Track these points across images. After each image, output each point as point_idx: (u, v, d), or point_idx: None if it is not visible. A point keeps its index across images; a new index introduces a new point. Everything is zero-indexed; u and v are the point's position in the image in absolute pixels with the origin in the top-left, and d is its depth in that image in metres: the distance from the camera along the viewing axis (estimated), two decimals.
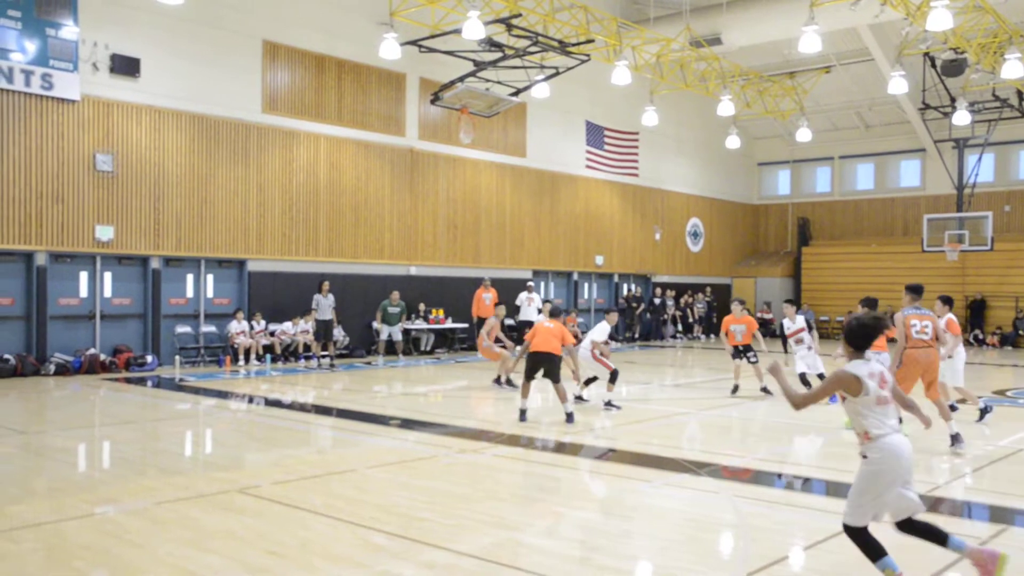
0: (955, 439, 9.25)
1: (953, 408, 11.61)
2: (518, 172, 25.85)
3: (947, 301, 11.24)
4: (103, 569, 5.32)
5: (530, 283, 22.29)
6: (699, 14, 24.45)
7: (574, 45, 20.67)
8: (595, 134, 28.43)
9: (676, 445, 9.87)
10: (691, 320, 30.67)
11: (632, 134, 29.57)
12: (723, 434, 10.77)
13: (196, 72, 18.60)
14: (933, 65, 27.36)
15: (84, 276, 17.40)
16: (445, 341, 23.24)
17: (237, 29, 19.20)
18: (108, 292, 17.72)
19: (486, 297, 19.39)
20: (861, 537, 4.74)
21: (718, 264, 34.48)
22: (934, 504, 6.94)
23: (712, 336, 30.75)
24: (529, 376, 11.31)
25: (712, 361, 21.92)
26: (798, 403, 4.77)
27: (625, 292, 29.76)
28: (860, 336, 4.81)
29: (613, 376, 12.39)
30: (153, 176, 17.96)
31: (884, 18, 21.39)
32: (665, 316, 29.63)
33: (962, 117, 26.92)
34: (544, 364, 11.26)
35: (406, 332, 21.27)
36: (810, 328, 14.33)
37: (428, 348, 22.65)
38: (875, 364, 4.82)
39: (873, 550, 4.71)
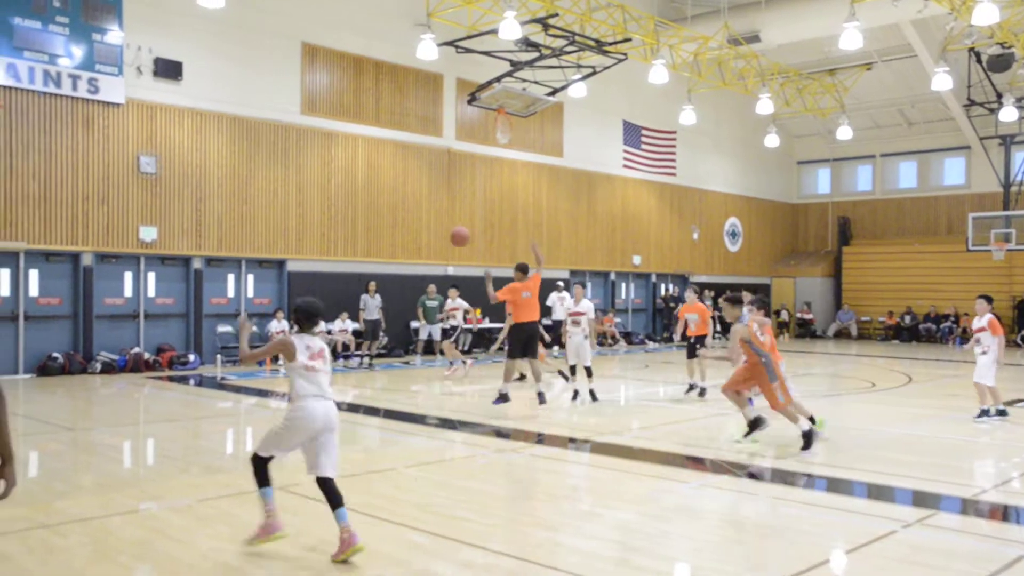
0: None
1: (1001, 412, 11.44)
2: (555, 172, 25.83)
3: (988, 300, 11.15)
4: (148, 564, 5.41)
5: (559, 283, 22.27)
6: (737, 12, 24.24)
7: (611, 44, 20.61)
8: (632, 133, 28.32)
9: (715, 446, 9.80)
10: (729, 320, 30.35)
11: (669, 133, 29.39)
12: (764, 436, 10.65)
13: (237, 74, 18.85)
14: (979, 60, 26.86)
15: (128, 276, 17.72)
16: (482, 341, 23.30)
17: (276, 32, 19.42)
18: (152, 292, 18.02)
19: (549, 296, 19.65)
20: (257, 464, 5.82)
21: (757, 264, 34.15)
22: (977, 507, 6.81)
23: None
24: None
25: None
26: (244, 358, 5.78)
27: (663, 292, 29.58)
28: (304, 317, 5.80)
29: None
30: (195, 177, 18.24)
31: (927, 13, 21.06)
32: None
33: (1009, 113, 26.41)
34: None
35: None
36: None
37: (466, 348, 22.71)
38: (318, 341, 5.72)
39: (260, 479, 5.79)
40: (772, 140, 29.34)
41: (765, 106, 25.56)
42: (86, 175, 16.80)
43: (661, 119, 28.87)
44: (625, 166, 28.13)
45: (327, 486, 5.59)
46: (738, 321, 9.31)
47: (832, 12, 21.44)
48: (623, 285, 28.65)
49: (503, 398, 12.18)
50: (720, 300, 10.10)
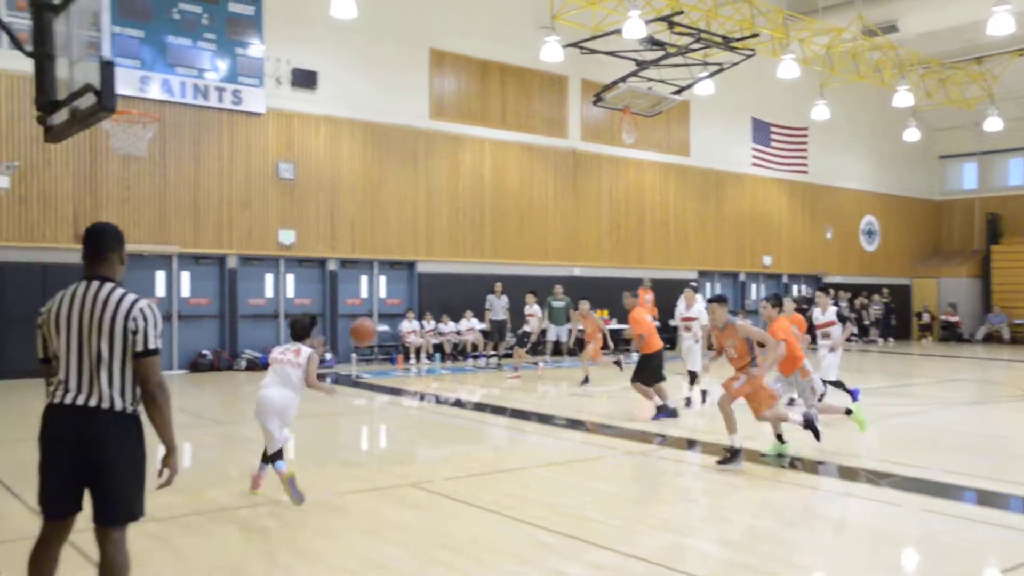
0: None
1: None
2: (682, 171, 25.45)
3: None
4: (292, 553, 5.65)
5: (693, 283, 21.87)
6: (872, 1, 23.22)
7: (738, 40, 20.15)
8: (761, 131, 27.58)
9: (853, 453, 9.42)
10: (866, 322, 29.16)
11: (800, 130, 28.47)
12: (907, 443, 10.18)
13: (368, 82, 19.45)
14: None
15: (269, 278, 18.57)
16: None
17: (406, 39, 19.93)
18: (290, 293, 18.84)
19: (646, 298, 19.22)
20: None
21: (896, 264, 32.61)
22: None
23: (890, 339, 29.16)
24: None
25: (890, 365, 20.78)
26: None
27: (795, 293, 28.67)
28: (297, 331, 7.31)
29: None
30: (330, 182, 18.94)
31: None
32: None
33: None
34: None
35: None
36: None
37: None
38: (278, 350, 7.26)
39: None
40: (912, 134, 27.97)
41: (904, 99, 24.40)
42: (230, 182, 17.72)
43: (792, 115, 27.99)
44: (754, 164, 27.43)
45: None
46: (726, 323, 8.60)
47: None
48: (752, 286, 27.94)
49: (669, 412, 11.63)
50: (707, 303, 9.27)
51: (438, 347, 19.89)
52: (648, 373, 11.39)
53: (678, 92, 21.42)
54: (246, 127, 17.88)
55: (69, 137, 8.20)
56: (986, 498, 7.53)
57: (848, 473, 8.28)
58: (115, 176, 16.45)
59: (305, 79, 18.47)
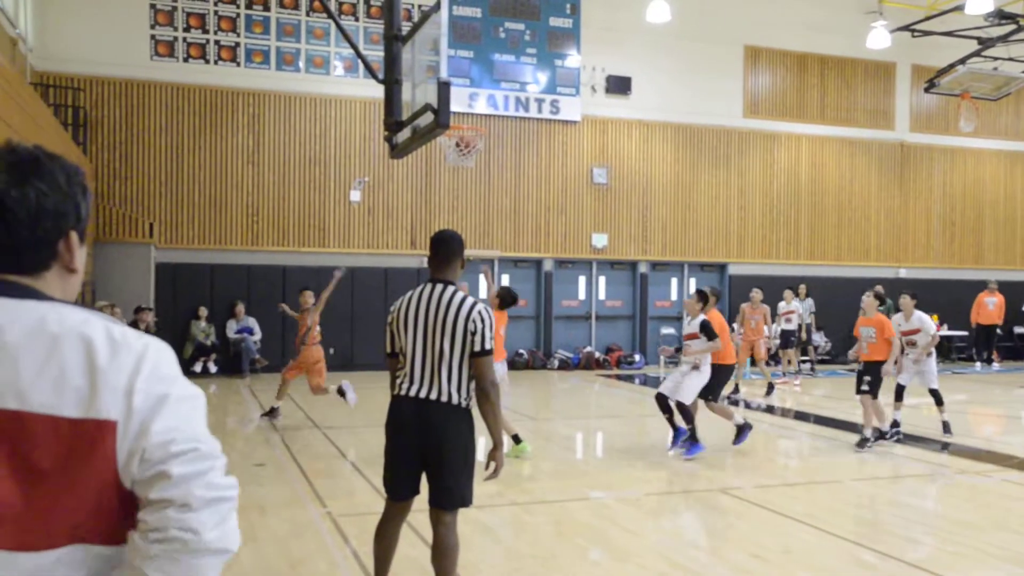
0: None
1: None
2: None
3: None
4: (601, 548, 5.87)
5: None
6: None
7: None
8: None
9: None
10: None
11: None
12: None
13: (680, 84, 19.44)
14: None
15: (582, 280, 19.23)
16: (941, 350, 21.17)
17: (719, 38, 19.65)
18: (602, 295, 19.36)
19: (989, 302, 17.34)
20: None
21: None
22: None
23: None
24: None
25: None
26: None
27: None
28: None
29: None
30: (641, 186, 19.20)
31: None
32: None
33: None
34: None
35: None
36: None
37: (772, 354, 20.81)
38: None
39: None
40: None
41: None
42: (547, 188, 18.60)
43: None
44: None
45: None
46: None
47: None
48: None
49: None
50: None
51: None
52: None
53: None
54: (563, 135, 18.67)
55: (409, 153, 9.16)
56: None
57: None
58: (446, 187, 17.95)
59: (619, 85, 18.89)
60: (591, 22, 18.62)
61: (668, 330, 19.57)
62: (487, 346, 4.13)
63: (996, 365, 20.01)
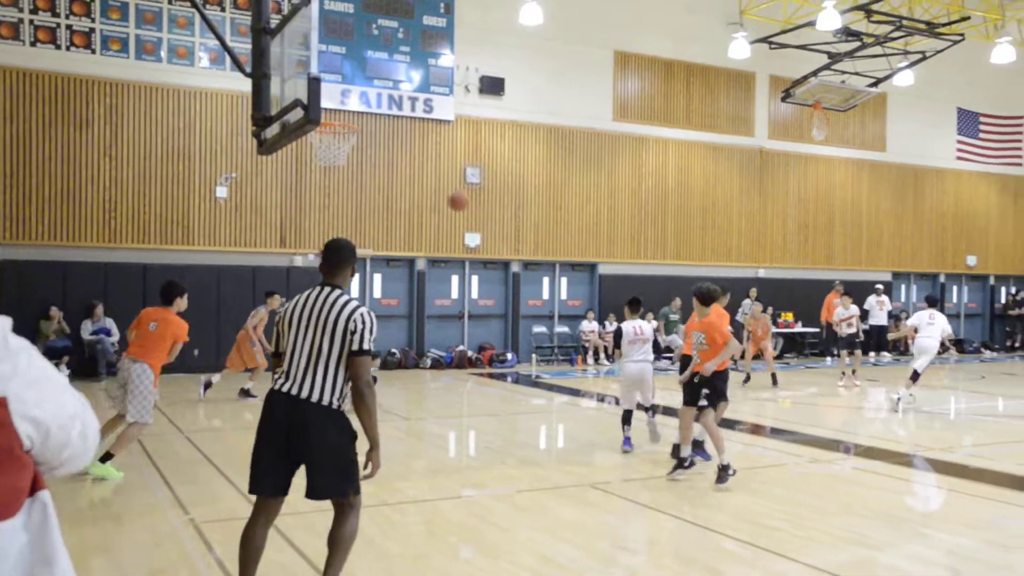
0: None
1: None
2: (876, 168, 24.14)
3: None
4: (473, 546, 5.90)
5: (878, 286, 20.78)
6: None
7: (944, 25, 18.87)
8: (968, 121, 25.66)
9: None
10: None
11: (1015, 119, 26.24)
12: None
13: (553, 86, 19.76)
14: None
15: (455, 279, 19.26)
16: (795, 346, 22.37)
17: (590, 42, 20.08)
18: (475, 294, 19.45)
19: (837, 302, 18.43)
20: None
21: None
22: None
23: None
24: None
25: None
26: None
27: (1004, 297, 26.47)
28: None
29: None
30: (514, 186, 19.39)
31: None
32: None
33: None
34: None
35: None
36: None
37: (777, 353, 21.94)
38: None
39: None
40: None
41: None
42: (420, 187, 18.52)
43: (1004, 104, 25.86)
44: (959, 158, 25.58)
45: None
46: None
47: None
48: (954, 288, 26.05)
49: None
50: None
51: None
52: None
53: (875, 84, 20.33)
54: (436, 134, 18.64)
55: (279, 149, 8.93)
56: None
57: None
58: (317, 184, 17.61)
59: (492, 86, 19.02)
60: (465, 22, 18.67)
61: (540, 328, 19.86)
62: (364, 346, 4.20)
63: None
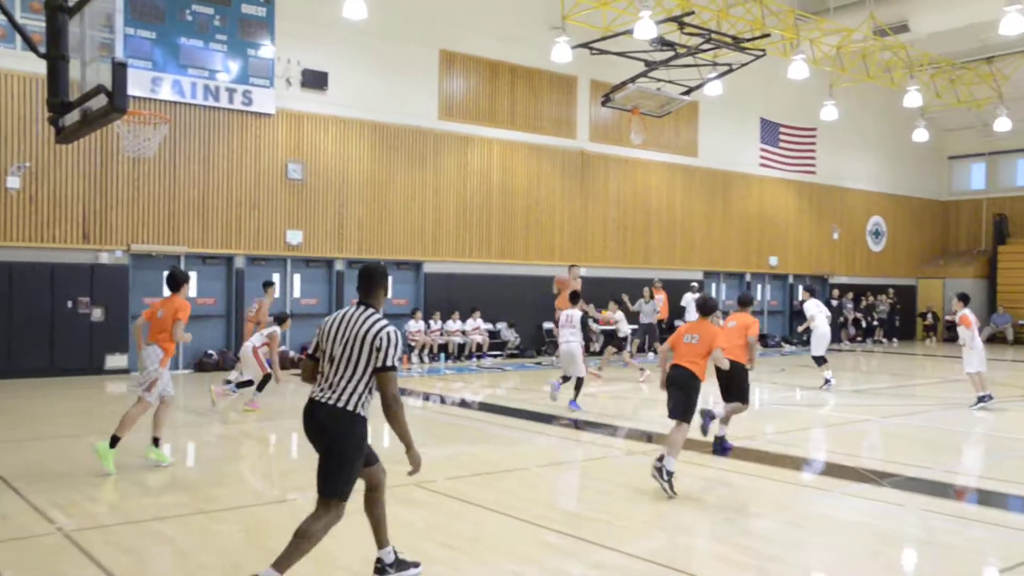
0: None
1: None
2: (689, 172, 25.46)
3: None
4: None
5: (694, 284, 22.03)
6: (884, 1, 23.16)
7: (749, 40, 20.13)
8: (770, 131, 27.56)
9: (855, 453, 9.45)
10: (872, 323, 29.12)
11: (809, 130, 28.43)
12: (908, 444, 10.21)
13: (378, 82, 19.52)
14: None
15: (276, 278, 18.62)
16: (615, 341, 23.17)
17: (416, 40, 20.00)
18: (297, 293, 18.92)
19: (658, 299, 19.35)
20: None
21: (902, 264, 32.54)
22: None
23: (894, 340, 29.11)
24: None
25: (893, 366, 20.75)
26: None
27: (801, 294, 28.62)
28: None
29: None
30: (338, 183, 19.01)
31: None
32: (844, 318, 28.28)
33: None
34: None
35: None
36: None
37: (598, 350, 22.67)
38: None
39: None
40: (921, 135, 27.89)
41: (913, 99, 24.35)
42: (239, 182, 17.80)
43: (801, 116, 27.96)
44: (762, 165, 27.42)
45: None
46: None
47: None
48: (759, 287, 27.93)
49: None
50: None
51: (443, 347, 19.95)
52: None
53: (687, 93, 21.41)
54: (256, 128, 17.97)
55: (80, 138, 8.30)
56: (986, 498, 7.56)
57: (851, 473, 8.31)
58: (125, 177, 16.55)
59: (315, 80, 18.55)
60: (286, 13, 18.10)
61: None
62: (388, 363, 4.73)
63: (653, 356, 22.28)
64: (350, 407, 4.73)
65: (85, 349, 16.06)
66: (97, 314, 16.17)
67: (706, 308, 8.00)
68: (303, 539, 4.81)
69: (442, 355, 19.67)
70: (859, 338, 28.75)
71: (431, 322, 19.86)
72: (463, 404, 13.46)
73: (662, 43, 19.27)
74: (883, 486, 7.78)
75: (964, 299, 13.85)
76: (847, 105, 27.42)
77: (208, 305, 17.83)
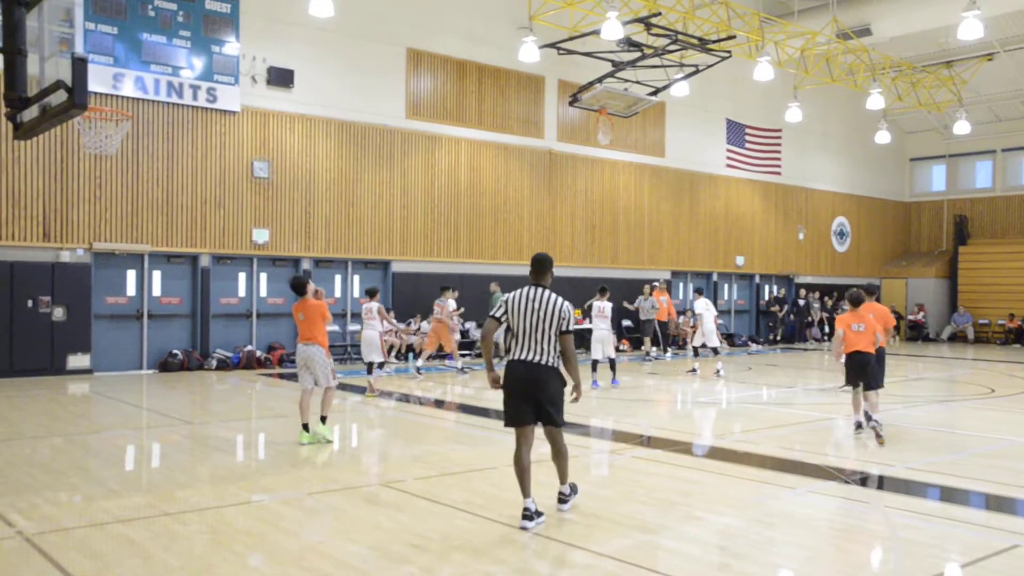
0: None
1: None
2: (657, 172, 25.61)
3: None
4: (261, 553, 5.65)
5: (657, 282, 22.42)
6: (847, 4, 23.49)
7: (714, 42, 20.29)
8: (736, 132, 27.81)
9: (821, 451, 9.56)
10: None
11: (775, 131, 28.74)
12: (873, 441, 10.33)
13: (344, 81, 19.40)
14: None
15: (242, 277, 18.46)
16: (583, 342, 23.24)
17: (383, 38, 19.90)
18: (264, 292, 18.73)
19: (661, 299, 19.97)
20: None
21: (866, 264, 33.02)
22: None
23: None
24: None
25: None
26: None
27: (767, 294, 28.94)
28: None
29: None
30: (305, 181, 18.86)
31: None
32: (810, 318, 28.63)
33: None
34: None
35: None
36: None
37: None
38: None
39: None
40: (883, 137, 28.32)
41: (876, 102, 24.72)
42: (204, 180, 17.60)
43: (766, 117, 28.25)
44: (728, 165, 27.66)
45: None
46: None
47: (950, 1, 20.56)
48: (725, 286, 28.18)
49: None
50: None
51: (411, 347, 19.85)
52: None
53: (654, 93, 21.53)
54: (220, 125, 17.77)
55: (39, 134, 8.15)
56: (949, 494, 7.67)
57: (816, 471, 8.40)
58: (87, 174, 16.29)
59: (281, 78, 18.38)
60: (252, 10, 17.93)
61: (331, 328, 19.42)
62: (569, 327, 6.40)
63: (627, 354, 22.37)
64: (552, 363, 6.36)
65: (46, 349, 15.79)
66: (58, 313, 15.91)
67: (858, 301, 10.29)
68: (564, 457, 6.63)
69: (410, 355, 19.57)
70: (826, 337, 29.07)
71: (410, 322, 19.76)
72: (432, 404, 13.41)
73: (629, 44, 19.36)
74: (849, 483, 7.87)
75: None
76: (811, 107, 27.78)
77: (173, 304, 17.60)
